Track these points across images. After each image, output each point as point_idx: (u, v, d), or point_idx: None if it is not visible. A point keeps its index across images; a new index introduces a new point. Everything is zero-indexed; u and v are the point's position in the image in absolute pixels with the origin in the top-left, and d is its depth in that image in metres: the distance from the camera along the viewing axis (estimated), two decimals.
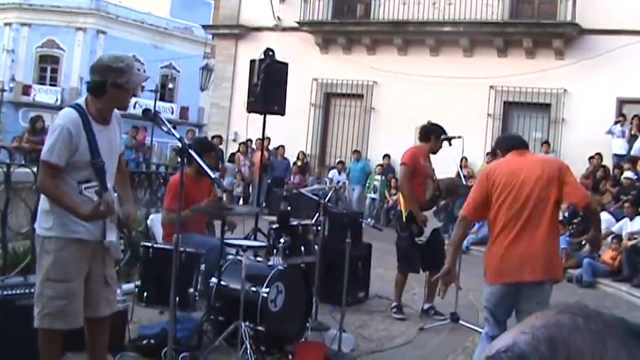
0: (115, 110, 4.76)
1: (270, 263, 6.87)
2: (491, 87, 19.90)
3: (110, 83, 4.56)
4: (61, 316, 4.57)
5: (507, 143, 6.05)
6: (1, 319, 5.45)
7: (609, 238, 13.46)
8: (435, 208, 8.68)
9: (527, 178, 5.52)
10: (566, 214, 15.37)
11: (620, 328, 0.78)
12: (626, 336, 0.77)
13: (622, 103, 18.61)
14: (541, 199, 5.47)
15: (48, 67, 41.90)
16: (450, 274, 5.81)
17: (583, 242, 14.23)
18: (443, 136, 8.80)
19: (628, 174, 15.96)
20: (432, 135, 8.72)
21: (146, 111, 4.88)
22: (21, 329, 5.49)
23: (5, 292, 5.66)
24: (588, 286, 12.66)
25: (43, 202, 4.72)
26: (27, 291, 5.74)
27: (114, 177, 4.86)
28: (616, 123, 17.82)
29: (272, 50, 9.57)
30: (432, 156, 8.80)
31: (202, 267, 6.22)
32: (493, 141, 18.90)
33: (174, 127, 5.04)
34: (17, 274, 6.46)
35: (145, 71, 4.78)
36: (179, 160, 5.04)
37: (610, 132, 17.83)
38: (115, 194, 4.89)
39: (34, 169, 7.55)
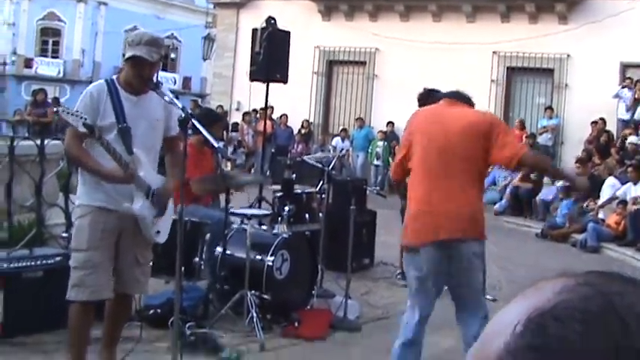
0: (165, 99, 4.74)
1: (274, 231, 6.89)
2: (494, 52, 19.77)
3: (124, 56, 4.78)
4: (82, 287, 4.56)
5: (441, 95, 5.49)
6: (8, 292, 5.49)
7: (614, 203, 13.47)
8: None
9: (447, 129, 4.73)
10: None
11: None
12: None
13: (625, 67, 18.45)
14: (461, 157, 4.67)
15: (49, 39, 41.61)
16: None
17: (586, 205, 14.22)
18: None
19: (632, 139, 15.92)
20: (433, 100, 8.50)
21: (148, 82, 4.88)
22: (28, 302, 5.54)
23: (12, 265, 5.70)
24: (593, 250, 12.67)
25: (79, 173, 4.86)
26: (33, 263, 5.79)
27: (153, 150, 4.89)
28: (623, 87, 17.67)
29: (274, 18, 9.54)
30: None
31: (207, 237, 6.25)
32: (496, 107, 18.91)
33: (177, 97, 5.04)
34: (22, 247, 6.48)
35: (159, 55, 4.76)
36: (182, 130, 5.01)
37: (617, 96, 17.65)
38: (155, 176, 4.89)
39: (38, 142, 7.60)
